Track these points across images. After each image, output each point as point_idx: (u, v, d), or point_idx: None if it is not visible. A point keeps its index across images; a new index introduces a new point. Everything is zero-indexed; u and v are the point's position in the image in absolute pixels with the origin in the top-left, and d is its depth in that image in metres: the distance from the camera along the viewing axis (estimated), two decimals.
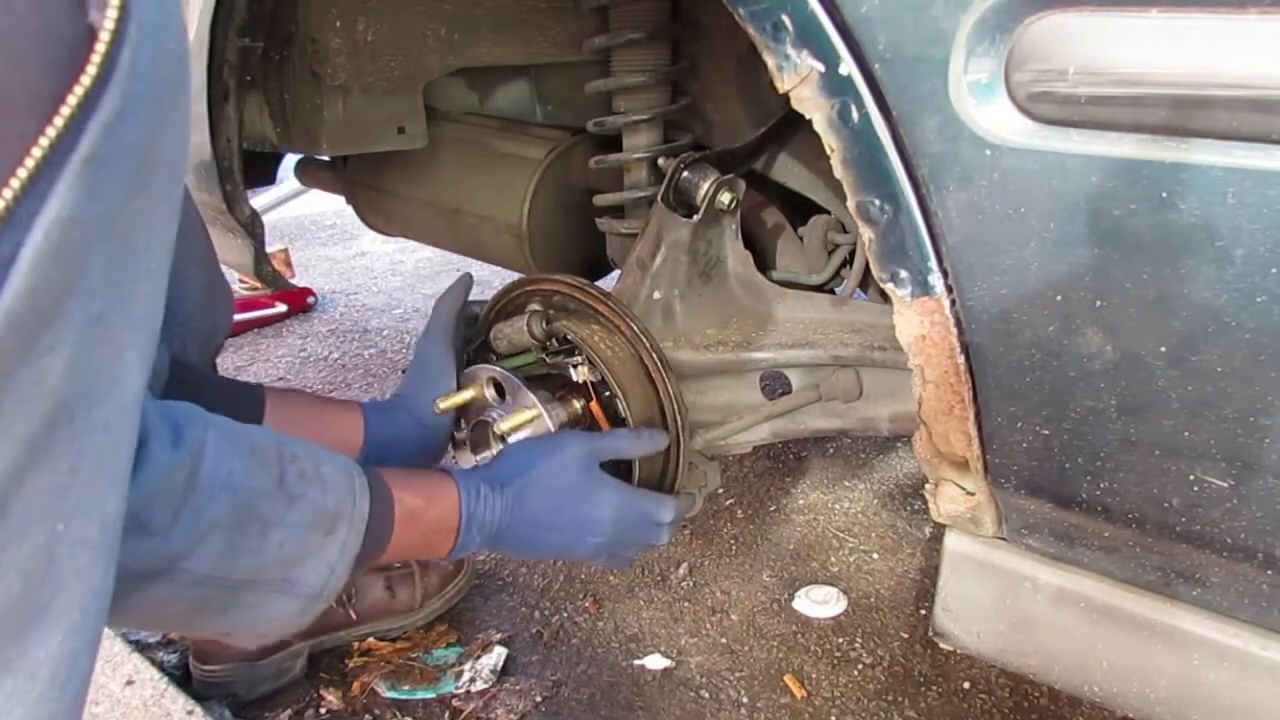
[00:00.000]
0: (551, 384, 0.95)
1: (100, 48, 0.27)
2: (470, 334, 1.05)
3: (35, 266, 0.26)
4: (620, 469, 0.91)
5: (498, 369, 0.94)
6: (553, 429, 0.90)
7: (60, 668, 0.33)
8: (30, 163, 0.26)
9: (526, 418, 0.88)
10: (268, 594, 0.61)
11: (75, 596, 0.33)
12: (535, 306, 0.97)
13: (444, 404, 0.92)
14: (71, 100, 0.26)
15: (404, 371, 1.00)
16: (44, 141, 0.26)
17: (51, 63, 0.26)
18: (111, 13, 0.27)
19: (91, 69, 0.27)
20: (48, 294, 0.27)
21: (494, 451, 0.96)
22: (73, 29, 0.27)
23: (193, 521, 0.55)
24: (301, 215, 3.52)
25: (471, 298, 1.06)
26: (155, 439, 0.52)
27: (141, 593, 0.54)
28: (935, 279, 0.69)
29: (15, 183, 0.26)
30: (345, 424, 0.91)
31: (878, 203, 0.69)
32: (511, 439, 0.90)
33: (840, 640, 1.19)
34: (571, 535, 0.83)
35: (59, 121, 0.26)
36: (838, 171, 0.70)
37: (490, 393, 0.95)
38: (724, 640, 1.20)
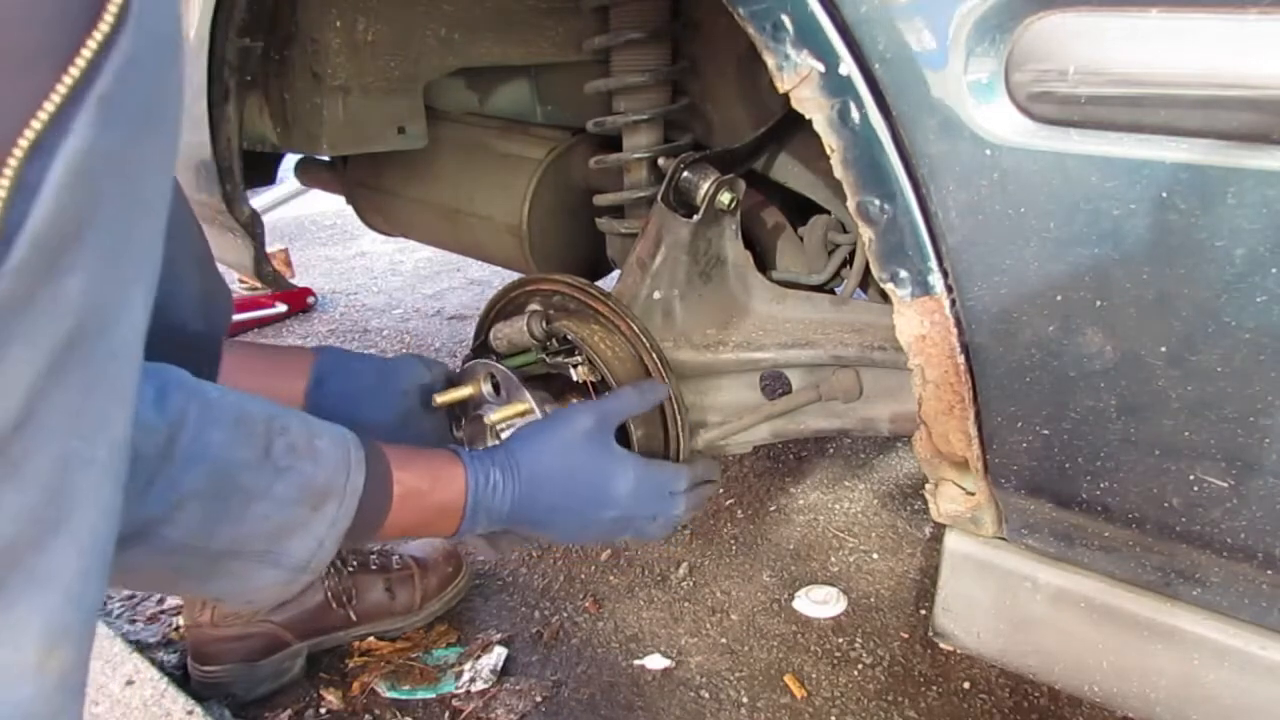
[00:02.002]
0: (551, 384, 0.95)
1: None
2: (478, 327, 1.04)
3: (58, 193, 0.30)
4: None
5: (495, 364, 0.93)
6: None
7: (74, 582, 0.35)
8: (56, 98, 0.29)
9: (518, 409, 0.88)
10: (252, 564, 0.62)
11: (88, 514, 0.36)
12: (535, 306, 0.97)
13: (441, 399, 0.92)
14: (91, 44, 0.30)
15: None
16: (67, 80, 0.29)
17: (65, 9, 0.29)
18: None
19: (109, 16, 0.30)
20: (67, 220, 0.30)
21: (488, 445, 0.97)
22: None
23: (167, 489, 0.55)
24: (301, 215, 3.52)
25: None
26: (140, 395, 0.52)
27: (121, 553, 0.55)
28: (935, 279, 0.69)
29: (43, 115, 0.29)
30: (290, 370, 0.90)
31: (878, 203, 0.69)
32: (504, 433, 0.89)
33: (840, 640, 1.19)
34: (586, 512, 0.82)
35: (80, 62, 0.30)
36: (838, 171, 0.70)
37: (487, 389, 0.95)
38: (724, 640, 1.20)
